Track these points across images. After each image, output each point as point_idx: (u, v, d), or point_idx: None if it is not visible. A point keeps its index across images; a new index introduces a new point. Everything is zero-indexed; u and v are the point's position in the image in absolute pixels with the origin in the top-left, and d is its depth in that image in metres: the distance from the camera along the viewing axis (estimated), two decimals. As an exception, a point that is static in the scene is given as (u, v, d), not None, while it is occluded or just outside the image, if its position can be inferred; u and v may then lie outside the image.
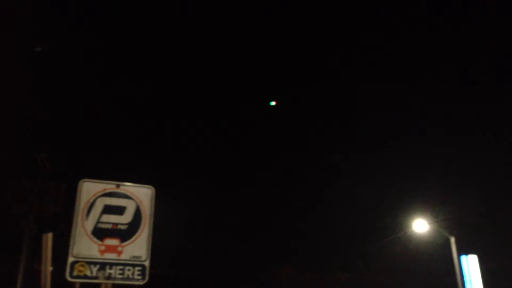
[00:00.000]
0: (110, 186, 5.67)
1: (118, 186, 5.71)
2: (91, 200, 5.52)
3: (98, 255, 5.37)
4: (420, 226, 22.40)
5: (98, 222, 5.46)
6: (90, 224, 5.42)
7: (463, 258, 21.89)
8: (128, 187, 5.75)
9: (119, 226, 5.53)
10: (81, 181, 5.56)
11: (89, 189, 5.57)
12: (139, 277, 5.51)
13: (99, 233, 5.43)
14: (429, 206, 25.42)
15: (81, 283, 5.83)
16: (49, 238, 7.06)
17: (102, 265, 5.37)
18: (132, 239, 5.55)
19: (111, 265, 5.41)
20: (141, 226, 5.63)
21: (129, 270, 5.48)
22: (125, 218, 5.59)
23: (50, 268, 6.90)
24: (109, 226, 5.50)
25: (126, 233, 5.54)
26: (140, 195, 5.75)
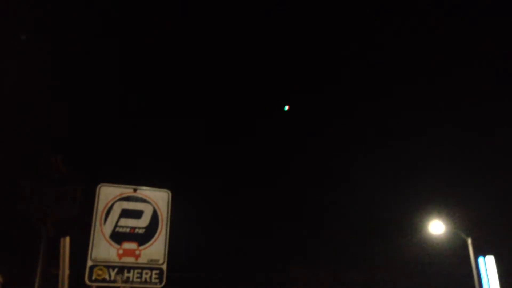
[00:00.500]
0: (127, 190, 5.70)
1: (135, 190, 5.73)
2: (109, 204, 5.55)
3: (117, 259, 5.40)
4: (437, 227, 22.25)
5: (116, 226, 5.49)
6: (108, 228, 5.45)
7: (480, 259, 21.67)
8: (145, 191, 5.77)
9: (137, 230, 5.56)
10: (99, 186, 5.60)
11: (107, 193, 5.60)
12: (157, 281, 5.53)
13: (117, 237, 5.46)
14: (446, 207, 25.20)
15: (97, 286, 5.86)
16: (66, 242, 7.12)
17: (121, 269, 5.40)
18: (149, 243, 5.58)
19: (129, 268, 5.43)
20: (158, 230, 5.66)
21: (146, 273, 5.50)
22: (143, 222, 5.62)
23: (67, 272, 6.95)
24: (127, 230, 5.53)
25: (143, 237, 5.57)
26: (157, 199, 5.77)
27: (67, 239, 7.46)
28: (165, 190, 5.88)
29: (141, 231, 5.57)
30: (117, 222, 5.51)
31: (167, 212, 5.77)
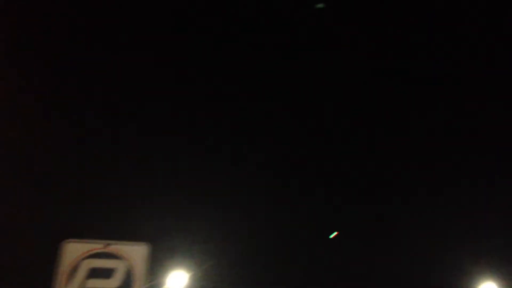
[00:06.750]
0: (97, 246, 4.98)
1: (106, 245, 5.02)
2: (75, 263, 4.84)
3: (80, 327, 4.62)
4: (489, 289, 20.53)
5: (82, 288, 4.74)
6: (71, 291, 4.70)
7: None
8: (119, 246, 5.04)
9: (106, 292, 4.79)
10: (64, 242, 4.93)
11: (74, 250, 4.89)
12: None
13: (83, 301, 4.70)
14: (500, 267, 23.32)
15: None
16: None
17: (85, 338, 4.61)
18: (121, 306, 4.78)
19: (95, 337, 4.64)
20: (132, 291, 4.87)
21: None
22: (113, 282, 4.84)
23: None
24: (94, 292, 4.76)
25: (114, 300, 4.78)
26: (132, 254, 5.01)
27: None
28: (143, 243, 5.15)
29: (111, 292, 4.81)
30: (83, 283, 4.77)
31: (144, 268, 4.99)
